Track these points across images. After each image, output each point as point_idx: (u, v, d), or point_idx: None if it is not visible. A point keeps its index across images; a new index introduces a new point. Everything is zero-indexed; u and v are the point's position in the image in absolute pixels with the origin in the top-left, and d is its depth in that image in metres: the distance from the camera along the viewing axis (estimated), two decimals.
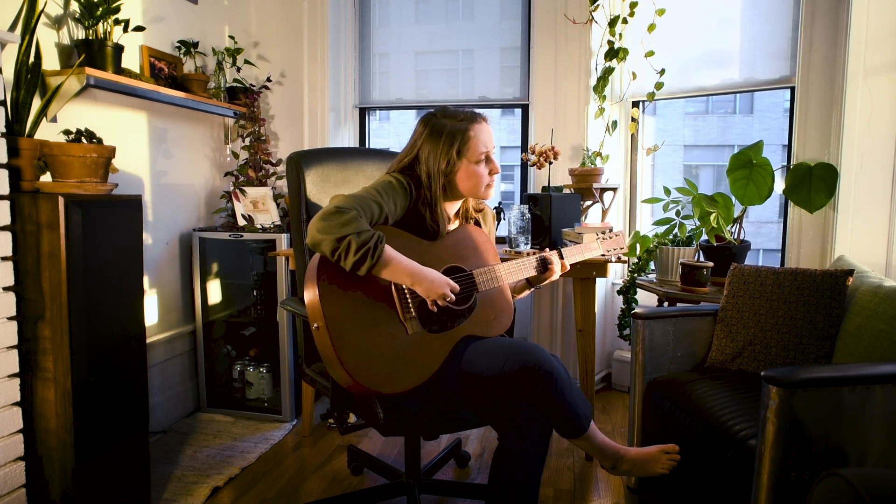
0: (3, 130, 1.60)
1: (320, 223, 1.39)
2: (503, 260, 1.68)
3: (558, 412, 1.45)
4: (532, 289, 1.78)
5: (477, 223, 1.80)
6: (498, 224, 2.80)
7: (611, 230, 1.86)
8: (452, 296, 1.47)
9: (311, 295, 1.42)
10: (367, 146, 3.33)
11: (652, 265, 2.72)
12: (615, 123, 2.90)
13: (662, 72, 2.77)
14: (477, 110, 1.65)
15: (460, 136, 1.56)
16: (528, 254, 1.72)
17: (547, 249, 1.72)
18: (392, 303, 1.49)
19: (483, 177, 1.60)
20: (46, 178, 1.76)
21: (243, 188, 2.77)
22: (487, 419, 1.55)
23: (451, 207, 1.69)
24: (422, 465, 1.98)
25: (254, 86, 3.01)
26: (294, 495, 2.05)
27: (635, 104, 2.98)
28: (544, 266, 1.69)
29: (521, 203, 2.81)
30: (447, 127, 1.57)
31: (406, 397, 1.51)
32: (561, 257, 1.72)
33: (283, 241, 2.62)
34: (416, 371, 1.46)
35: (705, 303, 2.27)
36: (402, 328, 1.48)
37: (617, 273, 3.09)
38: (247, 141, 2.95)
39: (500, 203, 2.86)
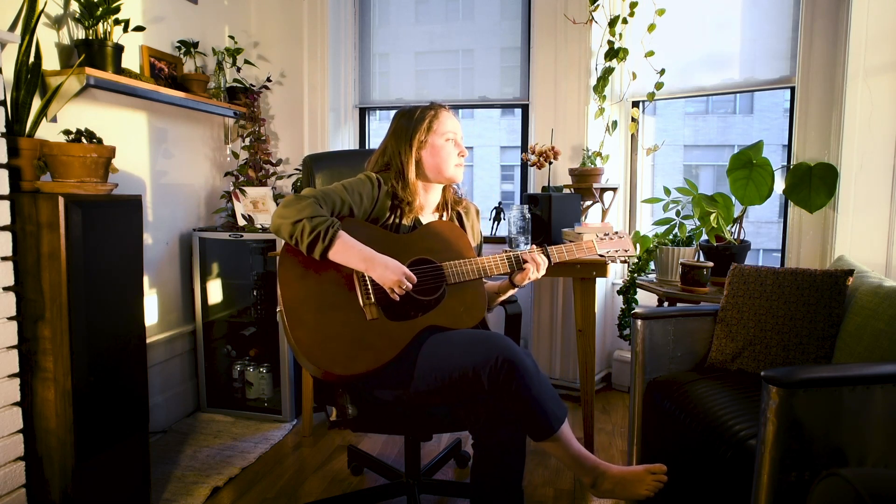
0: (3, 130, 1.60)
1: (280, 210, 1.51)
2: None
3: (523, 408, 1.39)
4: (514, 288, 1.71)
5: (460, 219, 1.80)
6: (498, 224, 2.80)
7: (615, 232, 1.79)
8: (409, 284, 1.49)
9: (277, 281, 1.53)
10: (367, 146, 3.34)
11: (652, 265, 2.72)
12: (615, 123, 2.90)
13: (662, 72, 2.77)
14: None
15: (429, 113, 1.68)
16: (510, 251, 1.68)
17: (532, 247, 1.67)
18: (354, 289, 1.53)
19: (451, 154, 1.67)
20: (46, 178, 1.76)
21: (243, 188, 2.77)
22: (459, 419, 1.53)
23: (430, 196, 1.72)
24: (422, 465, 1.98)
25: (254, 86, 3.01)
26: (294, 495, 2.05)
27: (635, 104, 2.99)
28: (520, 264, 1.63)
29: (521, 203, 2.81)
30: (417, 111, 1.69)
31: (370, 385, 1.53)
32: (547, 255, 1.65)
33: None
34: (371, 355, 1.47)
35: (705, 303, 2.27)
36: (361, 313, 1.51)
37: (617, 273, 3.10)
38: (247, 141, 2.95)
39: (500, 203, 2.86)
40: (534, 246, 1.68)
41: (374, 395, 1.56)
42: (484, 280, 1.81)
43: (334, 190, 1.59)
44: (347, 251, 1.49)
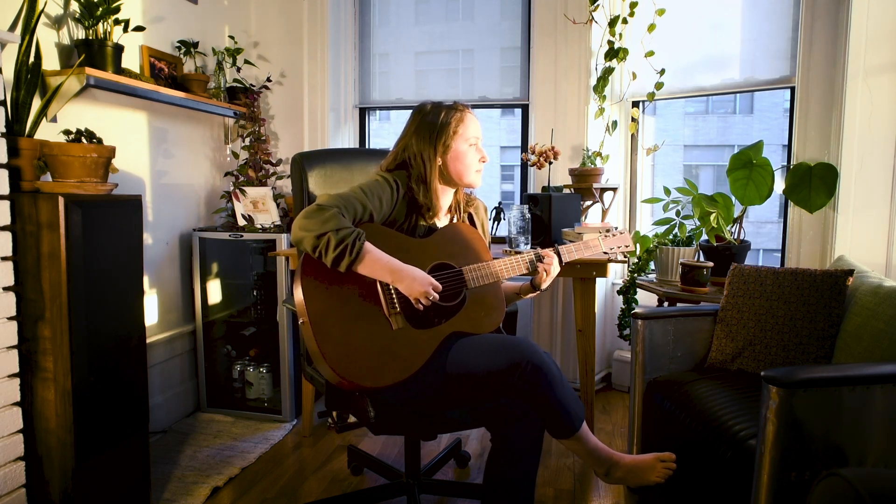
0: (3, 130, 1.60)
1: (302, 221, 1.44)
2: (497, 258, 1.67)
3: (548, 410, 1.43)
4: (535, 291, 1.73)
5: (470, 218, 1.79)
6: (498, 224, 2.80)
7: (616, 228, 1.82)
8: (435, 294, 1.47)
9: (297, 291, 1.47)
10: (367, 146, 3.34)
11: (652, 265, 2.72)
12: (615, 123, 2.90)
13: (662, 72, 2.77)
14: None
15: (456, 115, 1.63)
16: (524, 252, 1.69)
17: (537, 249, 1.67)
18: (378, 298, 1.51)
19: (474, 160, 1.65)
20: (46, 178, 1.76)
21: (243, 188, 2.77)
22: (480, 419, 1.53)
23: (444, 198, 1.70)
24: (422, 465, 1.98)
25: (254, 86, 3.01)
26: (294, 495, 2.05)
27: (635, 104, 2.98)
28: (535, 266, 1.64)
29: (521, 203, 2.81)
30: (442, 111, 1.64)
31: (395, 394, 1.51)
32: (559, 256, 1.67)
33: (283, 241, 2.62)
34: (399, 366, 1.47)
35: (705, 303, 2.27)
36: (387, 323, 1.49)
37: (617, 273, 3.10)
38: (247, 141, 2.95)
39: (500, 203, 2.86)
40: (549, 251, 1.67)
41: (398, 402, 1.55)
42: (504, 280, 1.82)
43: (354, 196, 1.53)
44: (374, 264, 1.46)
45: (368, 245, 1.46)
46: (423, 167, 1.62)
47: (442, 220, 1.72)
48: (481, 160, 1.66)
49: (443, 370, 1.51)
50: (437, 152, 1.61)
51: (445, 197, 1.71)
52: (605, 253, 1.76)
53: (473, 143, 1.64)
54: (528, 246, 2.37)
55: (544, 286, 1.67)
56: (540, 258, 1.64)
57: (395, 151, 1.68)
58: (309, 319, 1.43)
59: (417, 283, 1.46)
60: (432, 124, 1.62)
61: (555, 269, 1.65)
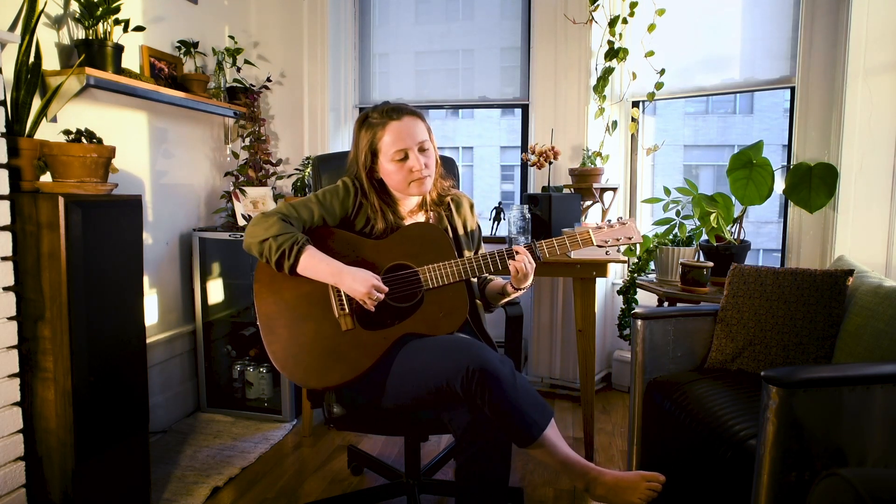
0: (3, 130, 1.60)
1: (250, 228, 1.54)
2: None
3: (500, 416, 1.36)
4: (517, 291, 1.63)
5: (450, 214, 1.73)
6: (498, 224, 2.80)
7: (619, 218, 1.64)
8: (379, 295, 1.48)
9: (253, 294, 1.58)
10: None
11: (652, 265, 2.72)
12: (615, 123, 2.90)
13: (662, 72, 2.77)
14: (410, 105, 1.64)
15: (372, 134, 1.60)
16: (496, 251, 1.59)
17: (521, 248, 1.56)
18: (330, 300, 1.54)
19: (402, 174, 1.59)
20: (46, 178, 1.76)
21: (243, 188, 2.77)
22: (444, 425, 1.49)
23: (407, 200, 1.69)
24: (422, 465, 1.98)
25: (254, 86, 3.01)
26: (294, 495, 2.05)
27: (635, 104, 2.99)
28: (505, 262, 1.55)
29: (521, 203, 2.81)
30: (366, 124, 1.62)
31: (356, 394, 1.54)
32: (534, 252, 1.56)
33: None
34: (344, 367, 1.49)
35: (705, 303, 2.27)
36: (337, 324, 1.52)
37: (617, 273, 3.10)
38: (247, 141, 2.95)
39: (500, 203, 2.86)
40: (521, 248, 1.56)
41: (362, 400, 1.56)
42: (490, 277, 1.80)
43: (307, 202, 1.59)
44: (315, 266, 1.50)
45: (310, 248, 1.50)
46: (363, 186, 1.64)
47: (412, 220, 1.69)
48: (413, 170, 1.58)
49: (391, 373, 1.49)
50: (365, 169, 1.62)
51: (408, 199, 1.69)
52: (600, 246, 1.59)
53: (401, 157, 1.57)
54: None
55: (523, 286, 1.59)
56: (511, 255, 1.54)
57: (350, 158, 1.69)
58: (259, 320, 1.52)
59: (358, 283, 1.47)
60: (358, 140, 1.63)
61: (529, 266, 1.54)
